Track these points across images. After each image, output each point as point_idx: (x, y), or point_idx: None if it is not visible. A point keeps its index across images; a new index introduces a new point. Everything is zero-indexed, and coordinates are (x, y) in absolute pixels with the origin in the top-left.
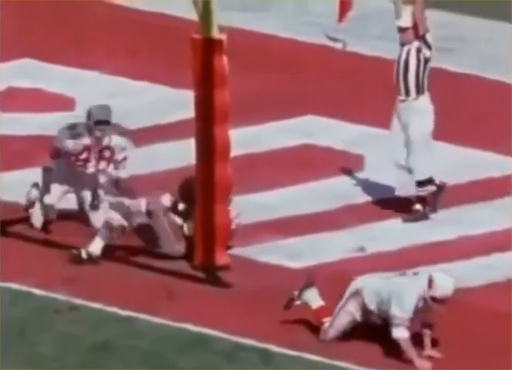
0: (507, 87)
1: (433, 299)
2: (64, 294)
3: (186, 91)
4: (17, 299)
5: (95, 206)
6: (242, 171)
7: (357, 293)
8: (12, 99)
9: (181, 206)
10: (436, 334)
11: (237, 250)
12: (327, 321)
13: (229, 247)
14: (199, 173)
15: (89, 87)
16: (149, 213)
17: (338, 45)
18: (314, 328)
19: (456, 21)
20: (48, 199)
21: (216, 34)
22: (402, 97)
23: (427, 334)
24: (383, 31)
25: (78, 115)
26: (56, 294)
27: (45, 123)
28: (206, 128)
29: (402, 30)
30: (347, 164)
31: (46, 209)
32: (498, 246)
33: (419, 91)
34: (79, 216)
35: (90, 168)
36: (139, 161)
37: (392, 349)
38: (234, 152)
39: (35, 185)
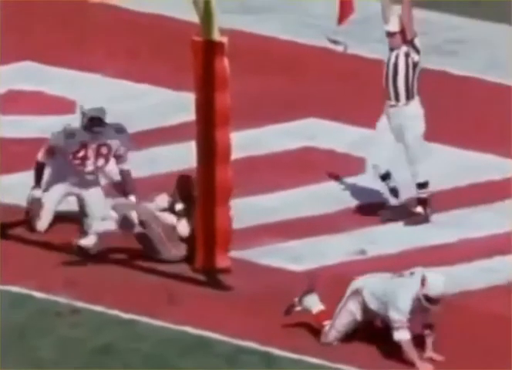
0: (509, 90)
1: (427, 298)
2: (65, 297)
3: (188, 93)
4: (18, 302)
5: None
6: (243, 174)
7: (357, 292)
8: (13, 101)
9: (179, 207)
10: (437, 336)
11: (237, 253)
12: (327, 324)
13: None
14: (200, 175)
15: (90, 90)
16: (142, 223)
17: (339, 48)
18: (316, 331)
19: (458, 24)
20: (38, 193)
21: (217, 36)
22: (392, 102)
23: (429, 337)
24: (384, 33)
25: (79, 118)
26: (57, 297)
27: (46, 126)
28: (207, 131)
29: (390, 35)
30: (348, 167)
31: (36, 203)
32: (499, 249)
33: (409, 96)
34: (80, 218)
35: (89, 166)
36: (141, 164)
37: (394, 352)
38: (235, 154)
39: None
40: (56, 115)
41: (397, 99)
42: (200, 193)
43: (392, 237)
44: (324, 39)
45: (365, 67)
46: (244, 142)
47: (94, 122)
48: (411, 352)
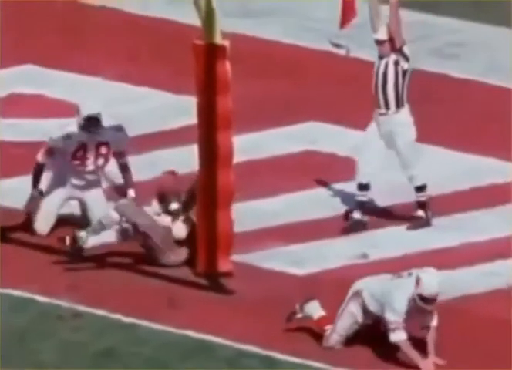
0: (509, 93)
1: (422, 298)
2: (67, 301)
3: (189, 97)
4: (19, 306)
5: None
6: (245, 177)
7: (357, 294)
8: (14, 105)
9: (173, 206)
10: (439, 340)
11: (239, 257)
12: (329, 328)
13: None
14: (201, 179)
15: (90, 93)
16: (142, 234)
17: (342, 51)
18: (317, 335)
19: (459, 27)
20: (35, 193)
21: (219, 40)
22: (382, 110)
23: (430, 341)
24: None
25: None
26: (59, 300)
27: (47, 129)
28: (208, 134)
29: (379, 43)
30: (350, 171)
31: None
32: (500, 253)
33: (399, 104)
34: (82, 222)
35: (89, 166)
36: (141, 167)
37: (395, 356)
38: (237, 158)
39: (41, 192)
40: (57, 118)
41: (387, 107)
42: (202, 196)
43: (393, 241)
44: (326, 43)
45: (367, 71)
46: (246, 146)
47: (91, 122)
48: (410, 352)
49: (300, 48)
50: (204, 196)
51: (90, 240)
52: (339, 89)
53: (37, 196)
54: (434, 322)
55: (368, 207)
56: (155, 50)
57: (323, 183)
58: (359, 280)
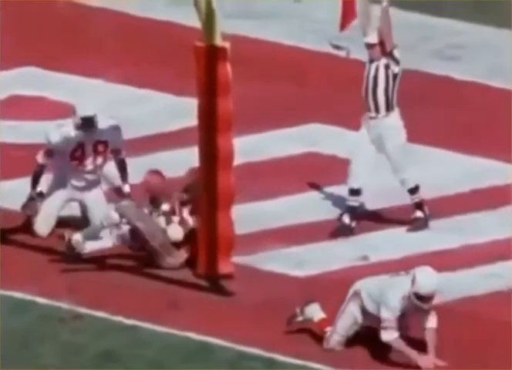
0: (511, 94)
1: (418, 296)
2: (68, 303)
3: (189, 99)
4: (20, 308)
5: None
6: (246, 179)
7: (356, 294)
8: (15, 107)
9: (164, 208)
10: (440, 342)
11: (240, 259)
12: (329, 330)
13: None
14: (202, 181)
15: (92, 95)
16: (142, 240)
17: (342, 53)
18: (319, 337)
19: (460, 29)
20: (34, 194)
21: (219, 42)
22: (372, 114)
23: (430, 342)
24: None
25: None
26: (60, 302)
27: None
28: (209, 136)
29: (369, 46)
30: None
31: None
32: (501, 254)
33: (389, 107)
34: (83, 223)
35: (88, 165)
36: (142, 169)
37: (396, 357)
38: (238, 160)
39: (39, 194)
40: (59, 120)
41: (377, 110)
42: (203, 198)
43: (394, 243)
44: (326, 44)
45: None
46: (247, 148)
47: (86, 122)
48: (404, 349)
49: (301, 49)
50: (205, 198)
51: (88, 245)
52: (340, 90)
53: (35, 198)
54: (434, 324)
55: (361, 211)
56: (156, 52)
57: (324, 185)
58: (359, 281)
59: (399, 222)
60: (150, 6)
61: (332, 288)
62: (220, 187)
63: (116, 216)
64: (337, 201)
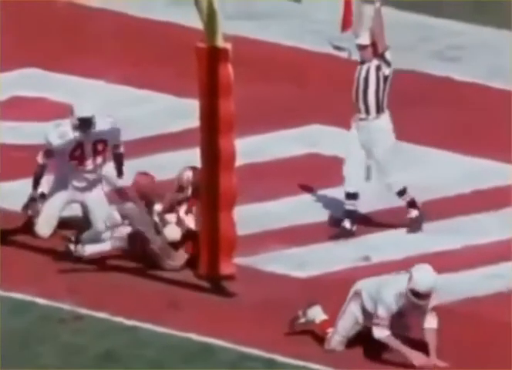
0: (511, 95)
1: (415, 293)
2: (69, 304)
3: (190, 100)
4: (20, 309)
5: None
6: (247, 180)
7: (357, 294)
8: (16, 107)
9: (157, 208)
10: (441, 343)
11: (242, 260)
12: (331, 331)
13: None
14: (204, 182)
15: (93, 96)
16: (142, 245)
17: (343, 54)
18: (320, 338)
19: (460, 30)
20: (35, 194)
21: (221, 43)
22: (362, 115)
23: (431, 343)
24: (386, 39)
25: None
26: (61, 303)
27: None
28: (211, 137)
29: (361, 48)
30: None
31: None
32: (503, 255)
33: (379, 109)
34: (84, 224)
35: (88, 165)
36: (142, 170)
37: (397, 358)
38: (239, 161)
39: (41, 195)
40: (59, 121)
41: (367, 112)
42: (205, 199)
43: (396, 244)
44: (327, 45)
45: None
46: (248, 149)
47: (84, 123)
48: (397, 346)
49: (302, 50)
50: (207, 199)
51: (87, 248)
52: (341, 91)
53: (36, 198)
54: (434, 325)
55: (360, 214)
56: (156, 53)
57: (325, 186)
58: (360, 281)
59: (401, 223)
60: (150, 6)
61: (334, 289)
62: (221, 188)
63: (118, 217)
64: (338, 202)
